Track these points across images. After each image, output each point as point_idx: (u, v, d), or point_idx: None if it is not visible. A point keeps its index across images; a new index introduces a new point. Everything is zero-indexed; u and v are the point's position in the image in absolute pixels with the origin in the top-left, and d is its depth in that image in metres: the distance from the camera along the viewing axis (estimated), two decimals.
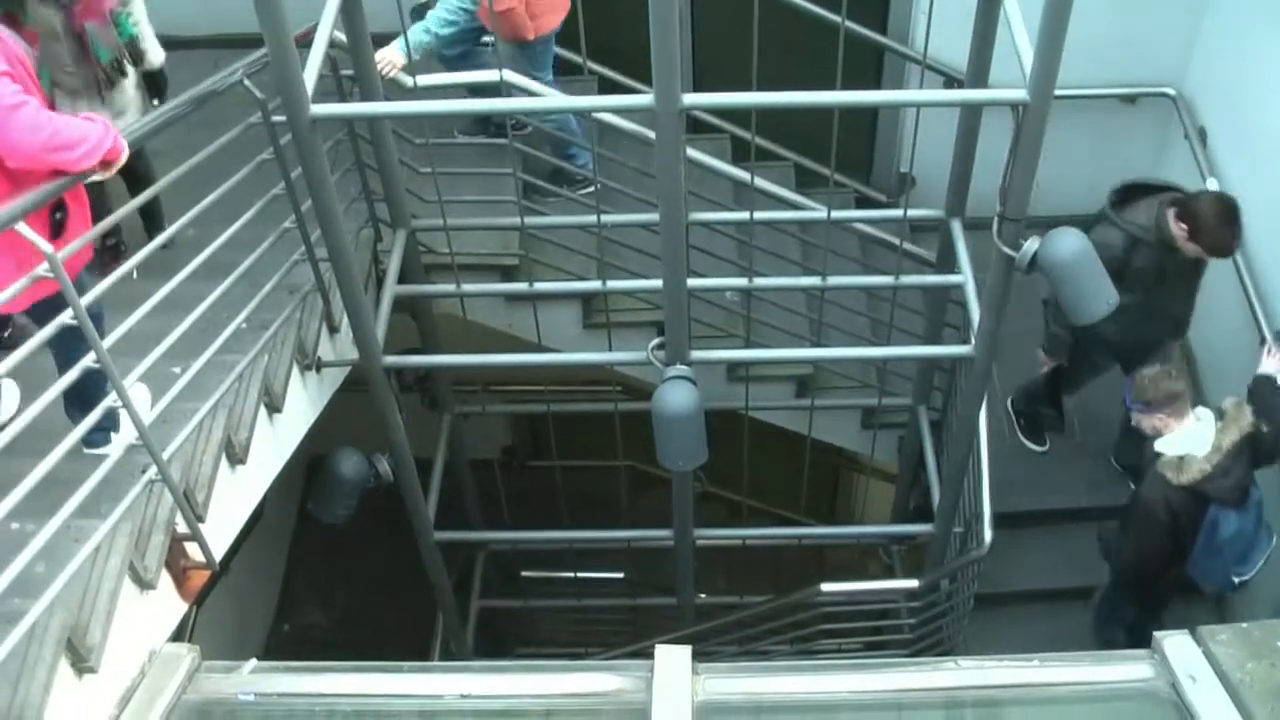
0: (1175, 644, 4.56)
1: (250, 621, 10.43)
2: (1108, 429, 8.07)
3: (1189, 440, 6.02)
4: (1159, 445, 6.09)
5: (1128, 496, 6.67)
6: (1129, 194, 6.62)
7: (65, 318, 4.11)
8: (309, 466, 8.28)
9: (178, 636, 5.22)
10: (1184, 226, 6.30)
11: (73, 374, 4.25)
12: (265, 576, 10.90)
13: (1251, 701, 4.27)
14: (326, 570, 11.13)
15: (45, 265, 3.94)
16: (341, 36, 5.66)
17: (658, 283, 5.68)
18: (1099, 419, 8.17)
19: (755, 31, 5.06)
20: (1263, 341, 6.98)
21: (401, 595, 9.28)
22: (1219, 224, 6.27)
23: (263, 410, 5.75)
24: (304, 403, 6.26)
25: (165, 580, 4.93)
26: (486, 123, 7.76)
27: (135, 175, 6.10)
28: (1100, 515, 7.81)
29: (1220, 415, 6.11)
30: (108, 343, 4.29)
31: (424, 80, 6.17)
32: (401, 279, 6.58)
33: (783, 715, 4.77)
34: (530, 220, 6.64)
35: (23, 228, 3.91)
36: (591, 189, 7.26)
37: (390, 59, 6.43)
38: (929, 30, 5.83)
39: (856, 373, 7.87)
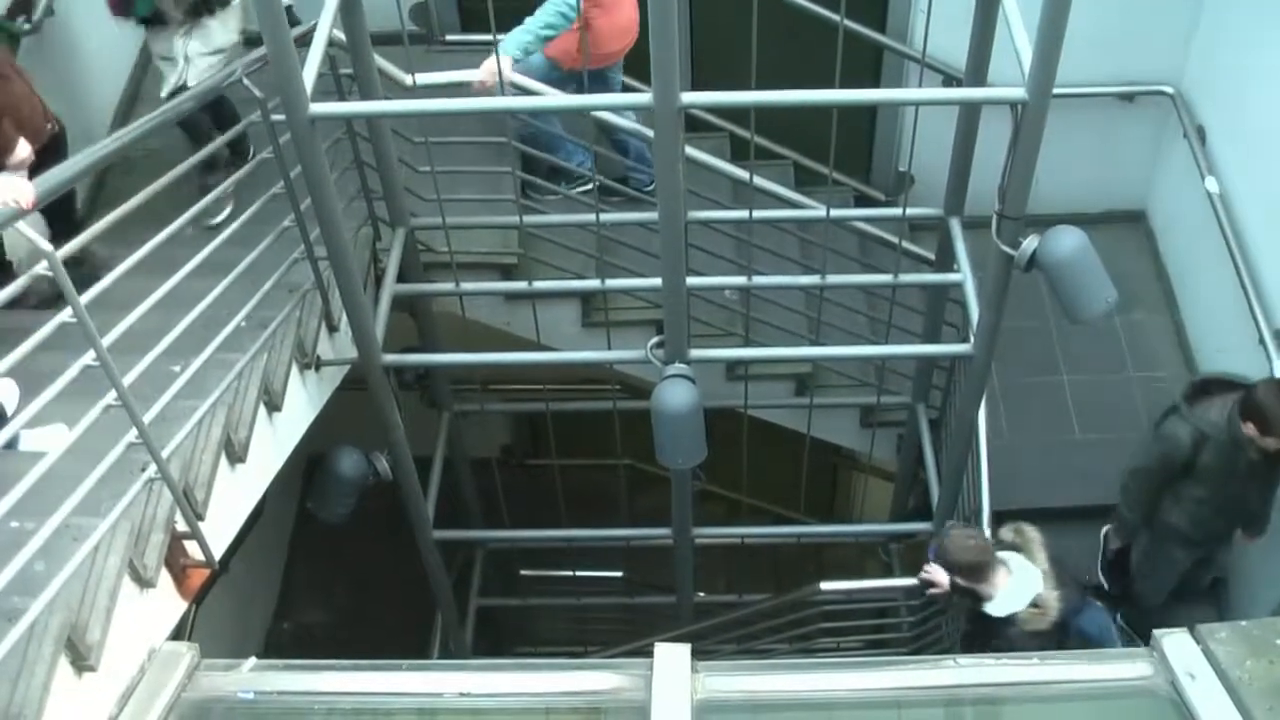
0: (1174, 642, 4.55)
1: (250, 619, 10.42)
2: (1107, 426, 8.09)
3: (1019, 593, 5.92)
4: (994, 611, 5.95)
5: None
6: (1204, 388, 6.42)
7: (66, 315, 4.11)
8: (309, 464, 8.28)
9: (178, 634, 5.22)
10: (1252, 425, 6.00)
11: (73, 370, 4.24)
12: (265, 575, 10.89)
13: (1250, 699, 4.26)
14: (326, 568, 11.12)
15: (44, 264, 3.93)
16: (340, 35, 5.66)
17: (657, 281, 5.69)
18: (1099, 416, 8.18)
19: (754, 30, 5.07)
20: (1261, 340, 6.99)
21: (401, 594, 9.29)
22: None
23: (262, 409, 5.74)
24: (303, 401, 6.25)
25: (165, 578, 4.92)
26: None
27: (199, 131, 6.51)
28: (1098, 513, 7.82)
29: (1014, 547, 6.08)
30: (107, 340, 4.28)
31: (422, 79, 6.17)
32: (400, 277, 6.59)
33: (782, 713, 4.77)
34: (529, 219, 6.65)
35: (23, 227, 3.92)
36: (589, 187, 7.27)
37: (492, 69, 6.34)
38: (928, 29, 5.84)
39: (855, 371, 7.87)
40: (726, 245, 7.27)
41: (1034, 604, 5.90)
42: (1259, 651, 4.45)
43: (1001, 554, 6.01)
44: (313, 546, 11.10)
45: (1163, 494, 6.64)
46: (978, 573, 5.90)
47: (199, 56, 6.57)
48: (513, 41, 6.68)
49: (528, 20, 6.71)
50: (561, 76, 7.13)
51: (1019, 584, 5.92)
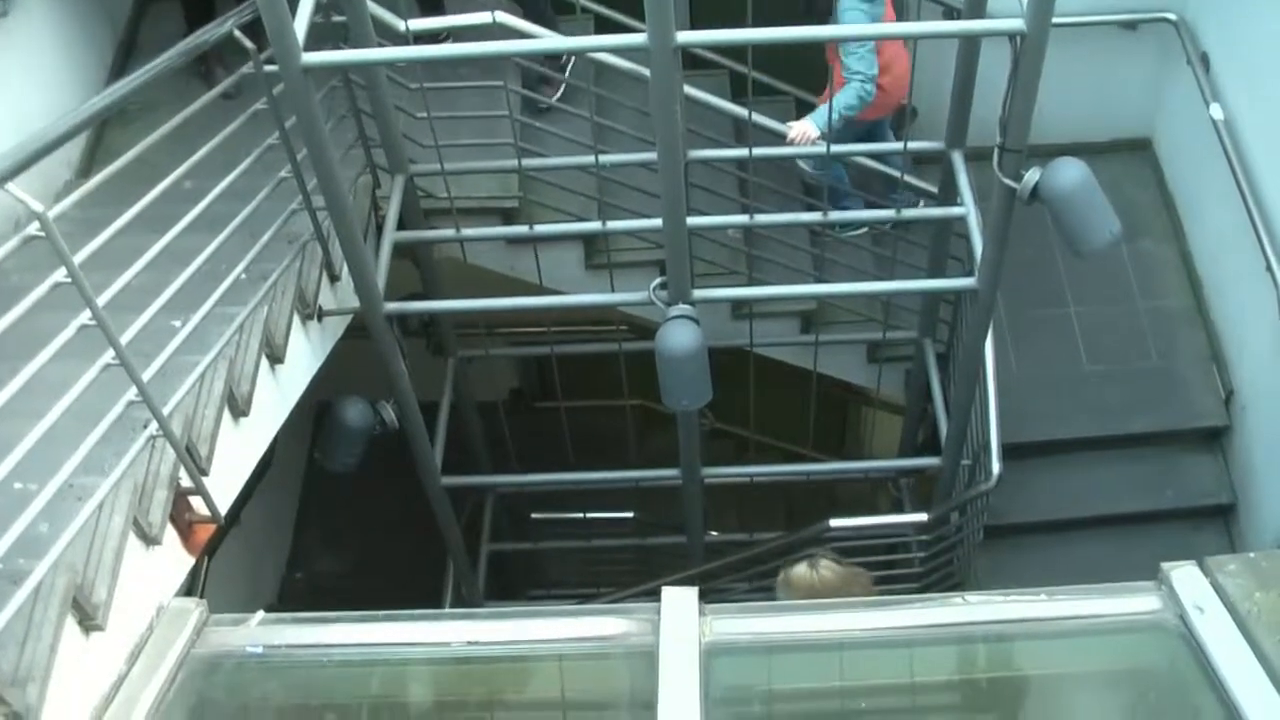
0: (1183, 575, 4.53)
1: (263, 570, 10.46)
2: (1116, 357, 8.08)
3: None
4: None
5: None
6: None
7: (60, 275, 4.08)
8: (319, 412, 8.28)
9: (190, 587, 5.23)
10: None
11: (68, 331, 4.22)
12: (277, 525, 10.92)
13: (1259, 632, 4.25)
14: (338, 517, 11.14)
15: (36, 225, 3.90)
16: None
17: (658, 222, 5.65)
18: (1107, 347, 8.16)
19: None
20: (1268, 267, 6.94)
21: (413, 540, 9.30)
22: None
23: (264, 361, 5.72)
24: (306, 352, 6.24)
25: (170, 535, 4.92)
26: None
27: None
28: (1107, 444, 7.82)
29: None
30: (103, 299, 4.25)
31: (415, 25, 6.12)
32: (401, 225, 6.56)
33: (791, 654, 4.77)
34: (528, 162, 6.60)
35: (12, 188, 3.87)
36: (862, 231, 7.99)
37: (804, 131, 6.62)
38: None
39: (861, 307, 7.84)
40: (728, 183, 7.22)
41: None
42: (1268, 584, 4.43)
43: None
44: (324, 495, 11.13)
45: None
46: None
47: None
48: (820, 119, 6.64)
49: (835, 99, 6.66)
50: (843, 128, 7.16)
51: None
